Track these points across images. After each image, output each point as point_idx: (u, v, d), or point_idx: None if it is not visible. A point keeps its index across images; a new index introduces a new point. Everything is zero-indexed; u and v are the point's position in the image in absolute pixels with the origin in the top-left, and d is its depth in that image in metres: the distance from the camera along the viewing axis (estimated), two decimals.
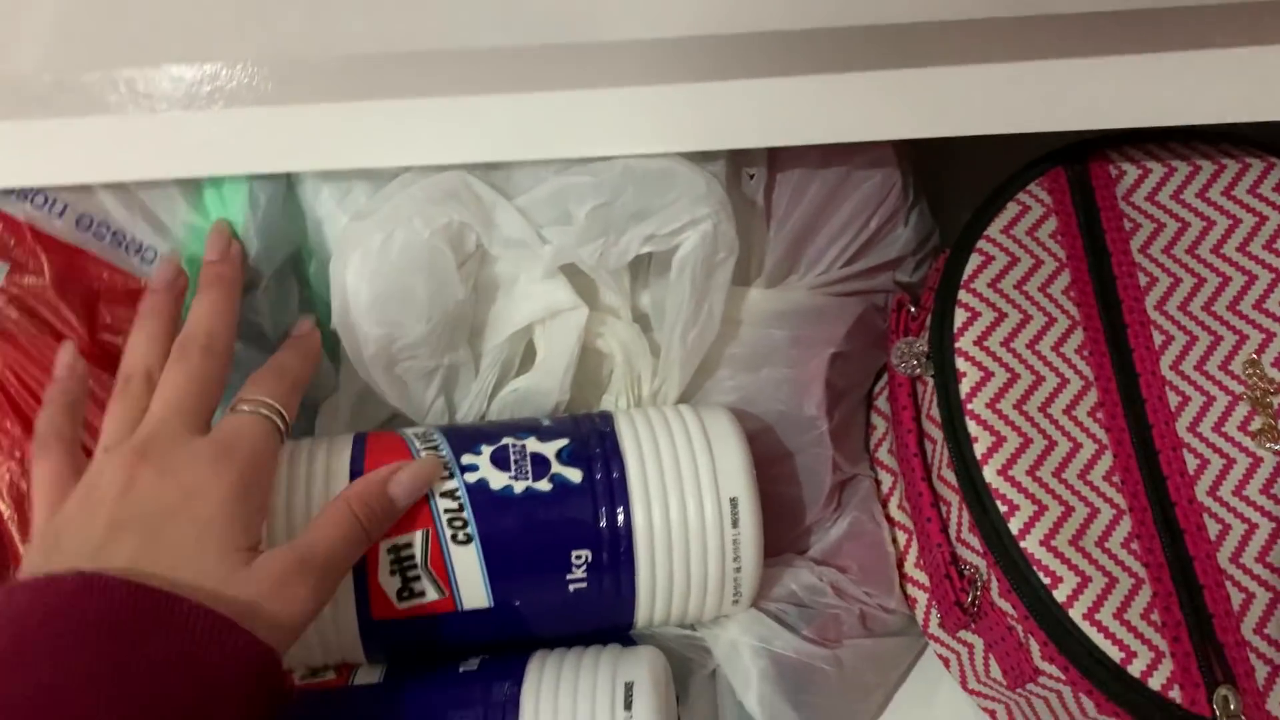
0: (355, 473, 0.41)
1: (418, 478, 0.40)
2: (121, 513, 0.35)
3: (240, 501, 0.36)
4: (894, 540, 0.49)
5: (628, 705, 0.39)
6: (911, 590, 0.49)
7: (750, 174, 0.46)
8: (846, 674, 0.45)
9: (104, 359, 0.44)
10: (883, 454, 0.51)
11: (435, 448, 0.42)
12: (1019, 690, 0.43)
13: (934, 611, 0.47)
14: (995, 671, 0.44)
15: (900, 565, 0.49)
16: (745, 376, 0.48)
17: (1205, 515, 0.42)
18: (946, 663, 0.48)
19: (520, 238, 0.44)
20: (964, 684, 0.47)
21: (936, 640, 0.48)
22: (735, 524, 0.42)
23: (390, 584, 0.40)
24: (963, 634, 0.46)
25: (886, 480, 0.50)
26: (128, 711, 0.29)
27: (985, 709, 0.47)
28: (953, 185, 0.53)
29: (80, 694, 0.29)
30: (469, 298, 0.45)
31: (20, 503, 0.44)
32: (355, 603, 0.40)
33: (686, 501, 0.42)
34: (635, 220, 0.43)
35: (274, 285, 0.45)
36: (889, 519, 0.49)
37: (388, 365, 0.44)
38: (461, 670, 0.41)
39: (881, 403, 0.52)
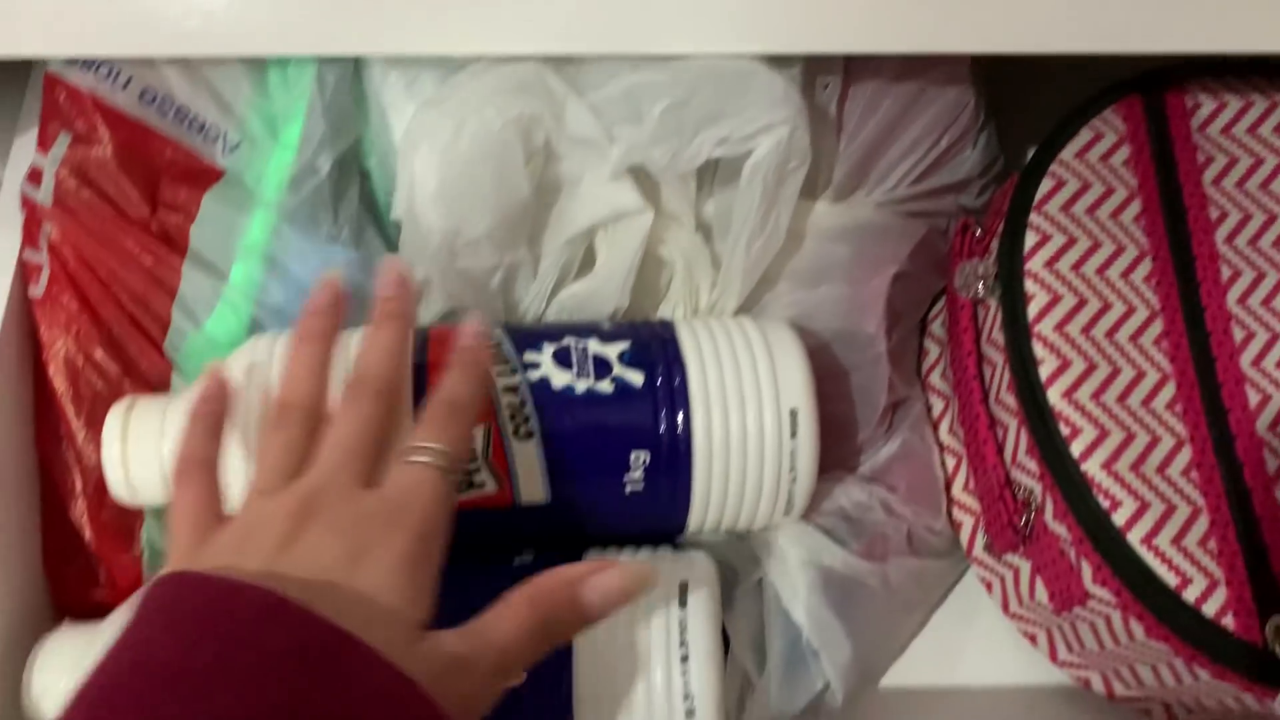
0: (419, 366, 0.41)
1: (620, 584, 0.33)
2: (279, 568, 0.30)
3: (411, 571, 0.31)
4: (942, 464, 0.49)
5: (682, 603, 0.39)
6: (958, 514, 0.49)
7: (825, 83, 0.45)
8: (891, 590, 0.45)
9: (163, 238, 0.43)
10: (935, 379, 0.51)
11: (497, 344, 0.42)
12: (1064, 614, 0.44)
13: (979, 535, 0.48)
14: (1041, 595, 0.45)
15: (948, 489, 0.49)
16: (804, 292, 0.47)
17: (1265, 450, 0.42)
18: (989, 587, 0.48)
19: (590, 136, 0.43)
20: (1005, 608, 0.47)
21: (980, 564, 0.48)
22: (794, 434, 0.42)
23: None
24: (1009, 557, 0.46)
25: (938, 405, 0.50)
26: None
27: (1025, 632, 0.47)
28: (1019, 113, 0.53)
29: None
30: (532, 196, 0.44)
31: (76, 380, 0.43)
32: None
33: (746, 410, 0.41)
34: (709, 122, 0.42)
35: (336, 174, 0.45)
36: (938, 443, 0.49)
37: (450, 260, 0.44)
38: (516, 564, 0.41)
39: (936, 327, 0.52)
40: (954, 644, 0.49)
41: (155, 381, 0.43)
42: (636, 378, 0.41)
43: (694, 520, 0.43)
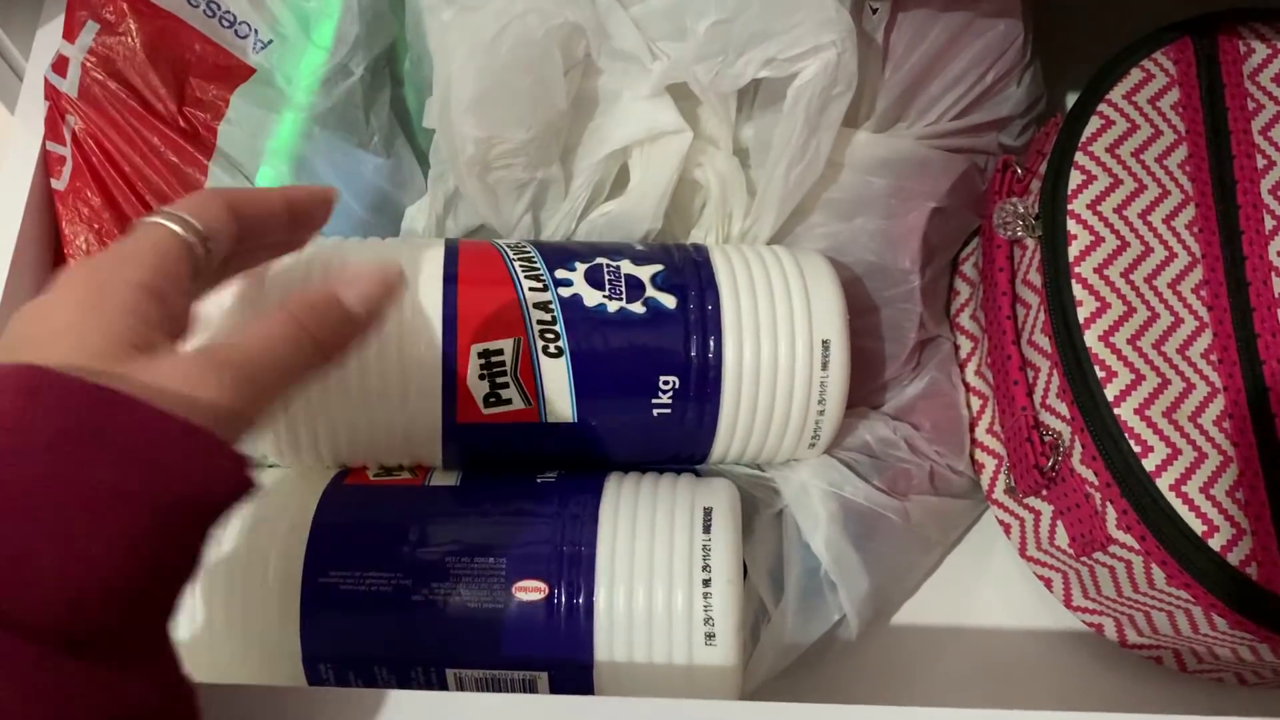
0: (449, 278, 0.40)
1: (376, 284, 0.31)
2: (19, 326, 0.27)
3: (104, 297, 0.27)
4: (968, 405, 0.49)
5: (706, 529, 0.39)
6: (980, 455, 0.48)
7: (874, 7, 0.44)
8: (911, 527, 0.45)
9: (190, 136, 0.42)
10: (964, 319, 0.50)
11: (529, 259, 0.41)
12: (1084, 559, 0.44)
13: (1001, 477, 0.47)
14: (1061, 539, 0.44)
15: (971, 430, 0.48)
16: (838, 224, 0.47)
17: None
18: (1007, 529, 0.48)
19: (631, 50, 0.42)
20: (1022, 550, 0.47)
21: (1000, 506, 0.48)
22: (825, 366, 0.41)
23: (478, 388, 0.39)
24: (1030, 500, 0.46)
25: (965, 346, 0.50)
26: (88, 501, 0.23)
27: (1041, 576, 0.47)
28: (1062, 55, 0.52)
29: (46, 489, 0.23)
30: (569, 110, 0.43)
31: None
32: (441, 404, 0.39)
33: (779, 338, 0.41)
34: (756, 41, 0.41)
35: (369, 78, 0.43)
36: (965, 384, 0.49)
37: (482, 171, 0.43)
38: (539, 481, 0.41)
39: (968, 268, 0.51)
40: (968, 584, 0.49)
41: None
42: (669, 301, 0.41)
43: (719, 448, 0.43)
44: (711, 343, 0.41)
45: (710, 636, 0.38)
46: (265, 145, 0.42)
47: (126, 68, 0.42)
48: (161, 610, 0.25)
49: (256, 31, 0.43)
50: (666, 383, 0.41)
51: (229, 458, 0.26)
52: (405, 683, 0.38)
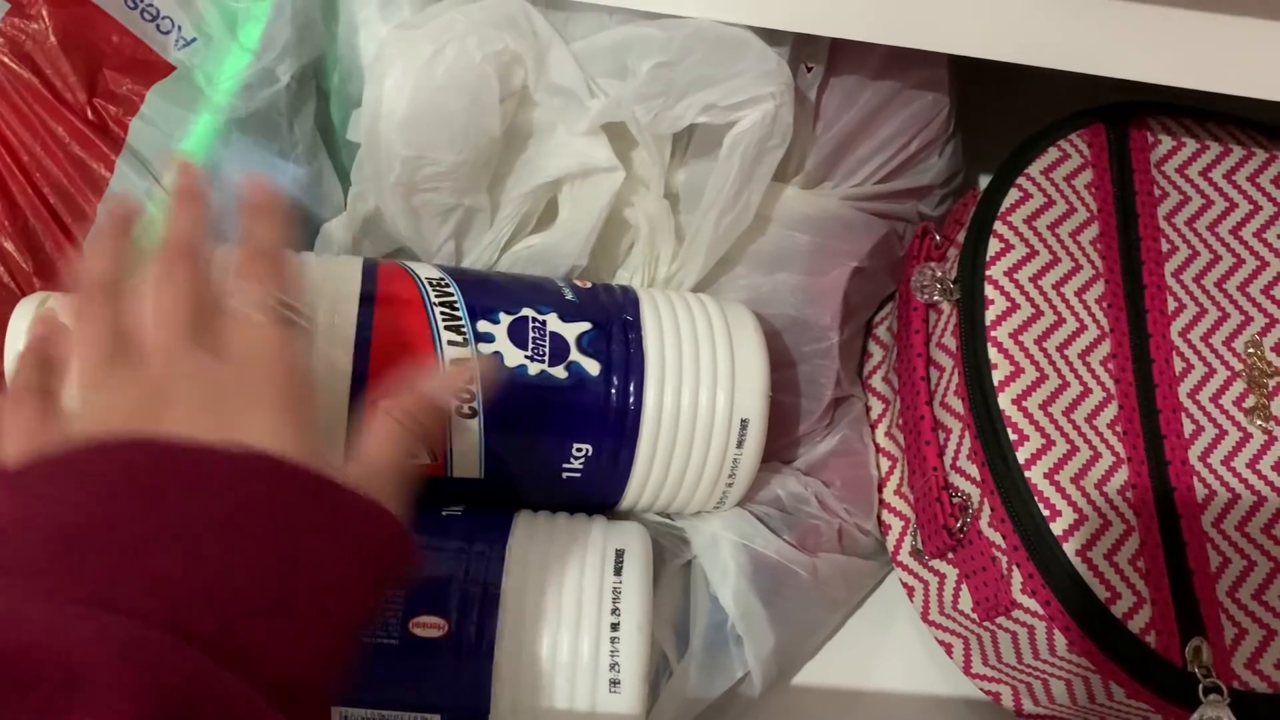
0: (366, 297, 0.38)
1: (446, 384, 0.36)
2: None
3: (293, 418, 0.30)
4: (877, 465, 0.49)
5: (618, 571, 0.38)
6: (886, 516, 0.48)
7: (809, 66, 0.44)
8: (820, 584, 0.44)
9: (98, 128, 0.40)
10: (876, 381, 0.51)
11: (451, 304, 0.39)
12: (986, 623, 0.44)
13: (907, 538, 0.47)
14: (965, 603, 0.44)
15: (879, 490, 0.48)
16: (761, 277, 0.47)
17: (1194, 478, 0.42)
18: (911, 592, 0.48)
19: (570, 86, 0.41)
20: (925, 615, 0.47)
21: (904, 568, 0.48)
22: (740, 445, 0.41)
23: None
24: (935, 563, 0.46)
25: (877, 407, 0.50)
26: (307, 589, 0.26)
27: (942, 641, 0.47)
28: (979, 133, 0.53)
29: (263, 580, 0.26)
30: (501, 138, 0.43)
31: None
32: (344, 453, 0.37)
33: (698, 419, 0.40)
34: (697, 86, 0.41)
35: (295, 86, 0.42)
36: (875, 445, 0.49)
37: (407, 193, 0.42)
38: (444, 514, 0.39)
39: (881, 331, 0.52)
40: (869, 647, 0.48)
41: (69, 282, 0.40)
42: (592, 367, 0.40)
43: (625, 503, 0.43)
44: (628, 420, 0.40)
45: (615, 683, 0.36)
46: (179, 144, 0.40)
47: (36, 52, 0.39)
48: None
49: (180, 28, 0.41)
50: (579, 450, 0.40)
51: (418, 549, 0.30)
52: None
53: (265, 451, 0.27)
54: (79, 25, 0.40)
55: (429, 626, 0.36)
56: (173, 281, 0.31)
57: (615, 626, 0.37)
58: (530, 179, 0.43)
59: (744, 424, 0.41)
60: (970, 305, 0.44)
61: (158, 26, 0.41)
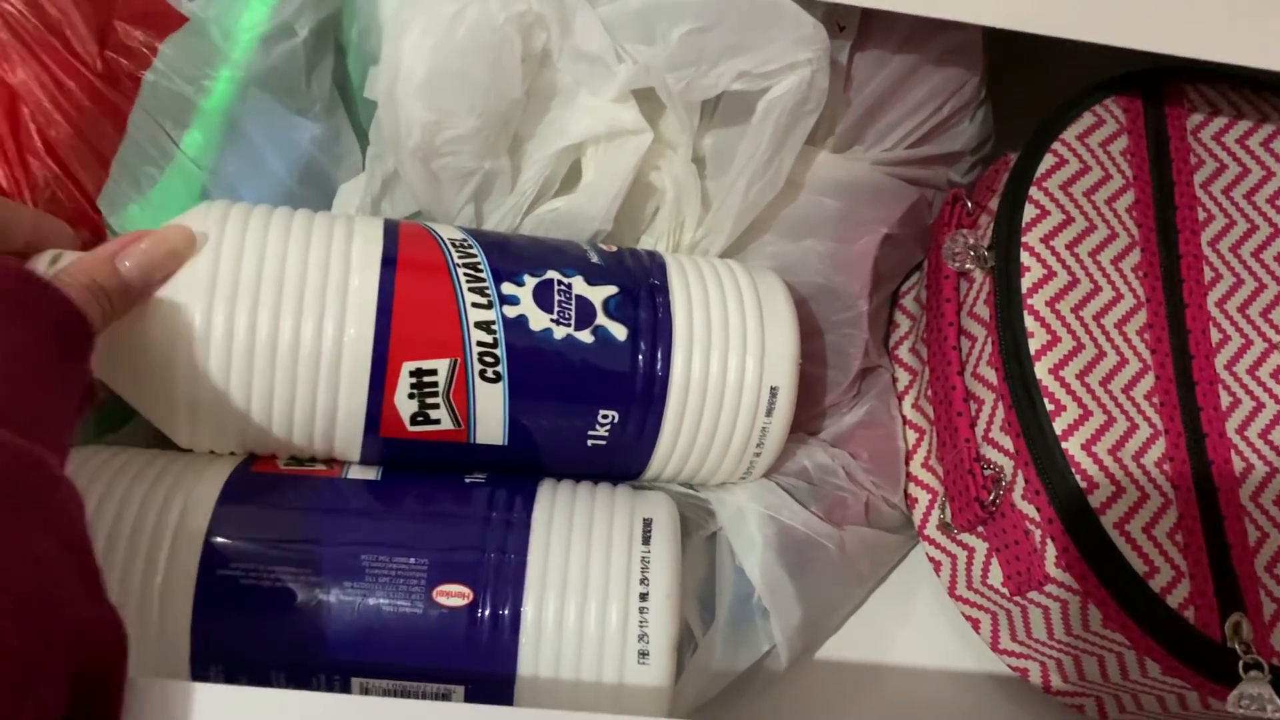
0: (388, 260, 0.37)
1: (151, 253, 0.34)
2: None
3: None
4: (904, 438, 0.48)
5: (646, 540, 0.37)
6: (914, 490, 0.47)
7: (841, 25, 0.43)
8: (847, 557, 0.43)
9: (111, 80, 0.39)
10: (903, 352, 0.50)
11: (474, 267, 0.38)
12: (1017, 598, 0.43)
13: (935, 512, 0.46)
14: (994, 578, 0.43)
15: (906, 463, 0.47)
16: (788, 244, 0.45)
17: (1232, 451, 0.41)
18: (938, 566, 0.47)
19: (596, 52, 0.40)
20: (952, 589, 0.46)
21: (931, 542, 0.47)
22: (769, 413, 0.40)
23: (406, 407, 0.37)
24: (964, 537, 0.45)
25: (904, 378, 0.49)
26: None
27: (969, 616, 0.46)
28: (1010, 100, 0.52)
29: None
30: (522, 100, 0.41)
31: None
32: (365, 418, 0.37)
33: (726, 385, 0.39)
34: (731, 53, 0.40)
35: (312, 41, 0.41)
36: (902, 417, 0.48)
37: (426, 157, 0.41)
38: (468, 481, 0.38)
39: (908, 301, 0.51)
40: (894, 622, 0.47)
41: (82, 241, 0.39)
42: (619, 332, 0.38)
43: (650, 473, 0.42)
44: (656, 387, 0.39)
45: (644, 655, 0.35)
46: (197, 103, 0.39)
47: (46, 3, 0.38)
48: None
49: None
50: (605, 416, 0.39)
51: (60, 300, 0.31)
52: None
53: None
54: None
55: (453, 595, 0.35)
56: None
57: (644, 597, 0.36)
58: (553, 141, 0.42)
59: (774, 392, 0.39)
60: (1006, 272, 0.42)
61: None
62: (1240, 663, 0.37)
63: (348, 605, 0.35)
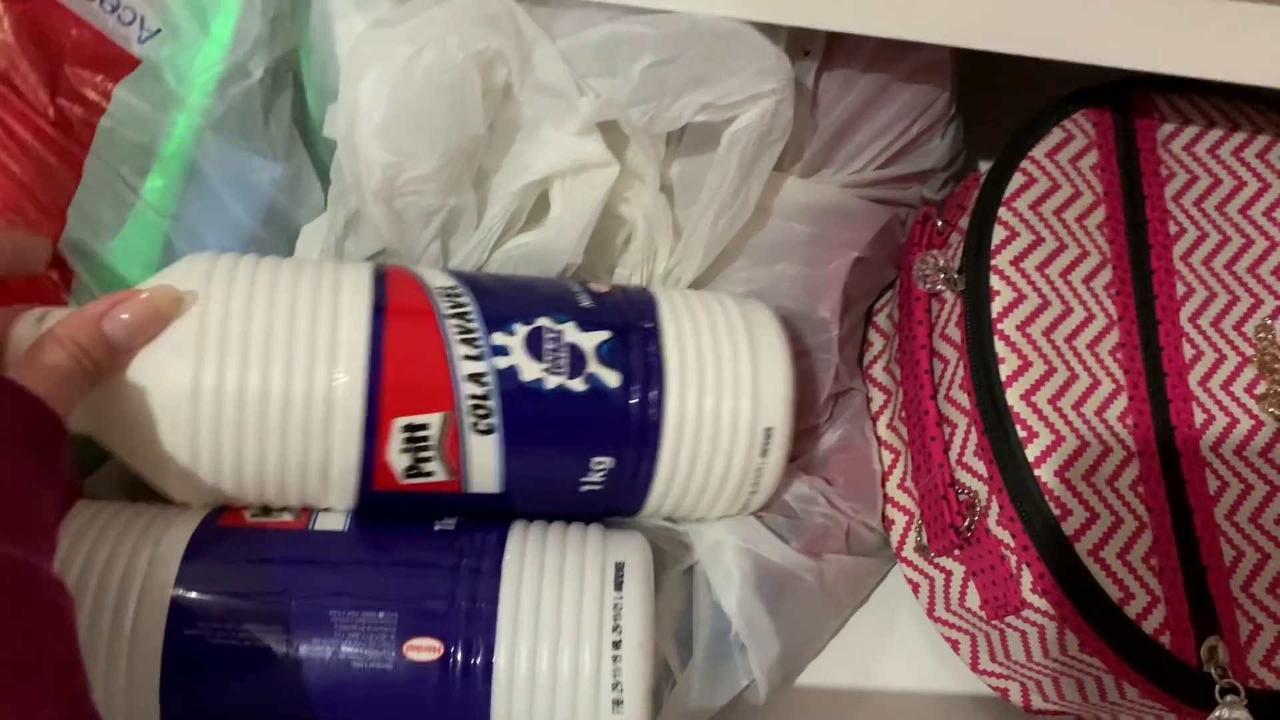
0: (378, 308, 0.37)
1: (139, 317, 0.34)
2: None
3: None
4: (879, 459, 0.47)
5: (618, 586, 0.37)
6: (890, 511, 0.47)
7: (807, 50, 0.42)
8: (825, 588, 0.43)
9: (63, 126, 0.38)
10: (877, 371, 0.49)
11: (464, 316, 0.37)
12: (995, 622, 0.43)
13: (911, 534, 0.46)
14: (972, 601, 0.43)
15: (882, 485, 0.47)
16: (760, 269, 0.45)
17: (1206, 470, 0.41)
18: (916, 588, 0.47)
19: (558, 85, 0.40)
20: (930, 611, 0.46)
21: (910, 564, 0.47)
22: (764, 454, 0.40)
23: (399, 461, 0.36)
24: (941, 560, 0.45)
25: (878, 398, 0.49)
26: None
27: (948, 638, 0.46)
28: (979, 115, 0.52)
29: None
30: (485, 136, 0.41)
31: None
32: (359, 473, 0.36)
33: (720, 429, 0.39)
34: (693, 85, 0.39)
35: (269, 80, 0.40)
36: (877, 438, 0.48)
37: (389, 197, 0.40)
38: (437, 529, 0.38)
39: (881, 319, 0.50)
40: (873, 645, 0.47)
41: (39, 293, 0.38)
42: (612, 379, 0.38)
43: (643, 514, 0.42)
44: (649, 432, 0.38)
45: (618, 704, 0.35)
46: (156, 149, 0.38)
47: None
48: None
49: (143, 19, 0.39)
50: (600, 463, 0.38)
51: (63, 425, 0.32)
52: None
53: None
54: (35, 19, 0.38)
55: (424, 649, 0.35)
56: None
57: (617, 644, 0.35)
58: (519, 176, 0.41)
59: (768, 433, 0.39)
60: (975, 297, 0.42)
61: (119, 17, 0.39)
62: (1216, 687, 0.37)
63: (317, 663, 0.34)
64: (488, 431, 0.36)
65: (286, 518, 0.38)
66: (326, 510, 0.38)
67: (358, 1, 0.40)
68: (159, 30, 0.39)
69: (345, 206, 0.42)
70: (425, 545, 0.37)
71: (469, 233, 0.42)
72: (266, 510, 0.38)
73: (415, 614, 0.35)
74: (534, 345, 0.37)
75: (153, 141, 0.39)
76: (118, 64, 0.39)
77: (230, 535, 0.37)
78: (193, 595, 0.35)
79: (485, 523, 0.39)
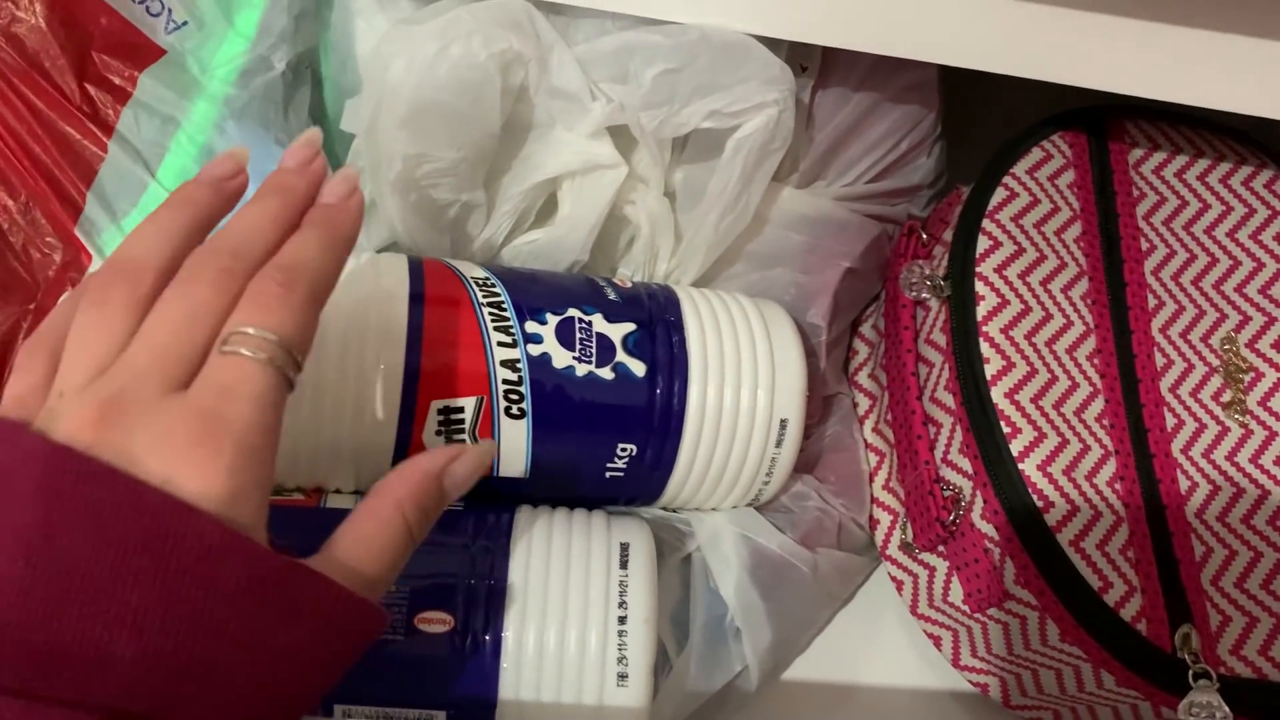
0: (415, 297, 0.38)
1: (474, 470, 0.32)
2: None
3: (235, 493, 0.26)
4: (866, 460, 0.49)
5: (623, 565, 0.38)
6: (876, 511, 0.49)
7: (804, 66, 0.45)
8: (819, 580, 0.45)
9: (90, 113, 0.39)
10: (862, 378, 0.51)
11: (499, 306, 0.39)
12: (978, 615, 0.44)
13: (896, 533, 0.48)
14: (955, 595, 0.45)
15: (869, 485, 0.49)
16: (756, 274, 0.47)
17: (1177, 470, 0.43)
18: (900, 585, 0.48)
19: (572, 90, 0.41)
20: (914, 608, 0.48)
21: (894, 562, 0.48)
22: (779, 444, 0.42)
23: (433, 443, 0.38)
24: (925, 556, 0.46)
25: (864, 403, 0.51)
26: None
27: (930, 634, 0.47)
28: (960, 135, 0.54)
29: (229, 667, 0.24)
30: (500, 134, 0.42)
31: None
32: (394, 454, 0.38)
33: (739, 418, 0.41)
34: (701, 93, 0.41)
35: (290, 75, 0.41)
36: (863, 440, 0.50)
37: (406, 190, 0.41)
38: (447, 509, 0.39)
39: (866, 329, 0.52)
40: (858, 640, 0.49)
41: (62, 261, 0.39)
42: (638, 368, 0.40)
43: (660, 503, 0.43)
44: (673, 420, 0.40)
45: (623, 677, 0.36)
46: (172, 134, 0.39)
47: (25, 34, 0.38)
48: None
49: (170, 11, 0.40)
50: (624, 449, 0.40)
51: (382, 621, 0.28)
52: None
53: (232, 529, 0.24)
54: (66, 6, 0.39)
55: (434, 622, 0.36)
56: (186, 293, 0.27)
57: (622, 620, 0.36)
58: (531, 175, 0.43)
59: (783, 424, 0.42)
60: (962, 302, 0.44)
61: (146, 8, 0.40)
62: (1190, 672, 0.39)
63: None
64: (519, 416, 0.38)
65: (298, 496, 0.39)
66: (337, 491, 0.39)
67: (380, 1, 0.41)
68: (185, 23, 0.40)
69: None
70: (436, 524, 0.38)
71: (479, 228, 0.44)
72: (278, 490, 0.39)
73: (426, 588, 0.36)
74: (565, 334, 0.39)
75: (173, 128, 0.40)
76: (144, 53, 0.40)
77: None
78: None
79: (493, 505, 0.40)
